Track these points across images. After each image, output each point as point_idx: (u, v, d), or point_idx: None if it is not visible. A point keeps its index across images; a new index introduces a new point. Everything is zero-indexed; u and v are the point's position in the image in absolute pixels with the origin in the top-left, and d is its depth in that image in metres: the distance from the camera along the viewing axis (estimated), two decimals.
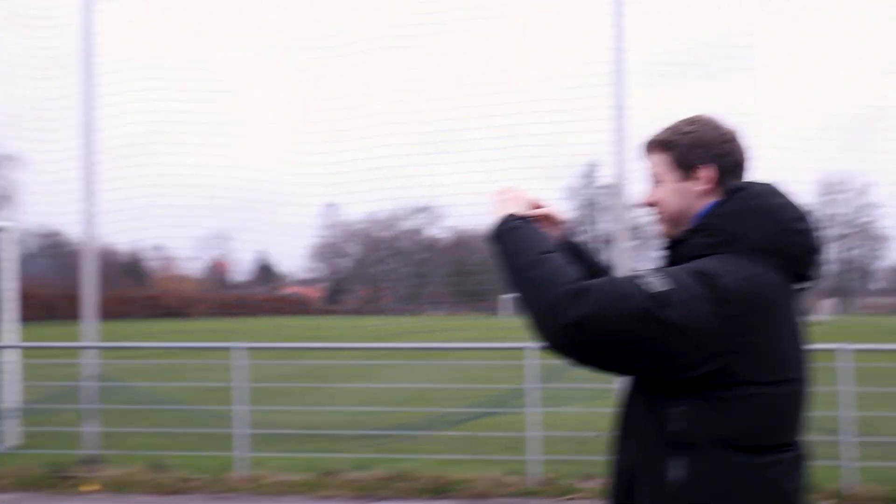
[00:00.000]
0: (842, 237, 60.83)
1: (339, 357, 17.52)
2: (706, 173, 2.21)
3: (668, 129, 2.27)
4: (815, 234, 2.16)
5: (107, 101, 8.79)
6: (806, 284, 2.16)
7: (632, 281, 1.98)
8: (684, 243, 2.19)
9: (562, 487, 7.20)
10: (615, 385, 7.31)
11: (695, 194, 2.21)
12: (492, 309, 51.24)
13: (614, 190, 8.09)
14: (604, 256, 2.83)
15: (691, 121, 2.25)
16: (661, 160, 2.26)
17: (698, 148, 2.21)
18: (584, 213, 41.16)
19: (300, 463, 7.86)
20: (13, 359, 9.15)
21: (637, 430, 2.16)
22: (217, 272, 70.05)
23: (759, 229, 2.09)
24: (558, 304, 1.95)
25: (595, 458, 7.02)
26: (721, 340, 1.96)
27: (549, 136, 9.15)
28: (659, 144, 2.27)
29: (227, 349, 8.05)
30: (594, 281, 2.00)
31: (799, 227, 2.12)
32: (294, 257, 64.61)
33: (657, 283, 1.97)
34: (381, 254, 66.39)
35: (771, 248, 2.08)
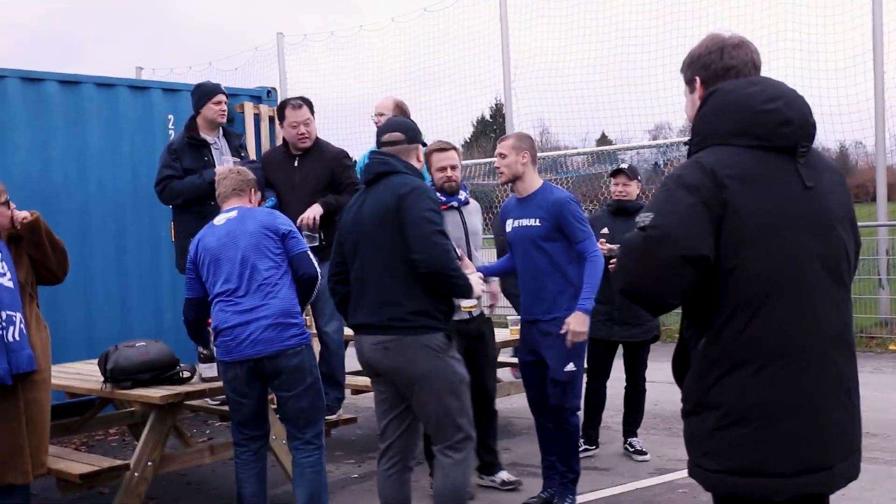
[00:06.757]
0: None
1: None
2: (697, 85, 2.51)
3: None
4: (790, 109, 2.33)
5: None
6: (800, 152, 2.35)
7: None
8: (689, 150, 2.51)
9: None
10: None
11: (695, 104, 2.50)
12: None
13: None
14: None
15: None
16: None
17: (690, 63, 2.53)
18: None
19: None
20: None
21: None
22: None
23: (728, 120, 2.34)
24: None
25: None
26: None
27: None
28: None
29: None
30: None
31: (768, 108, 2.32)
32: None
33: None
34: None
35: (741, 132, 2.33)
